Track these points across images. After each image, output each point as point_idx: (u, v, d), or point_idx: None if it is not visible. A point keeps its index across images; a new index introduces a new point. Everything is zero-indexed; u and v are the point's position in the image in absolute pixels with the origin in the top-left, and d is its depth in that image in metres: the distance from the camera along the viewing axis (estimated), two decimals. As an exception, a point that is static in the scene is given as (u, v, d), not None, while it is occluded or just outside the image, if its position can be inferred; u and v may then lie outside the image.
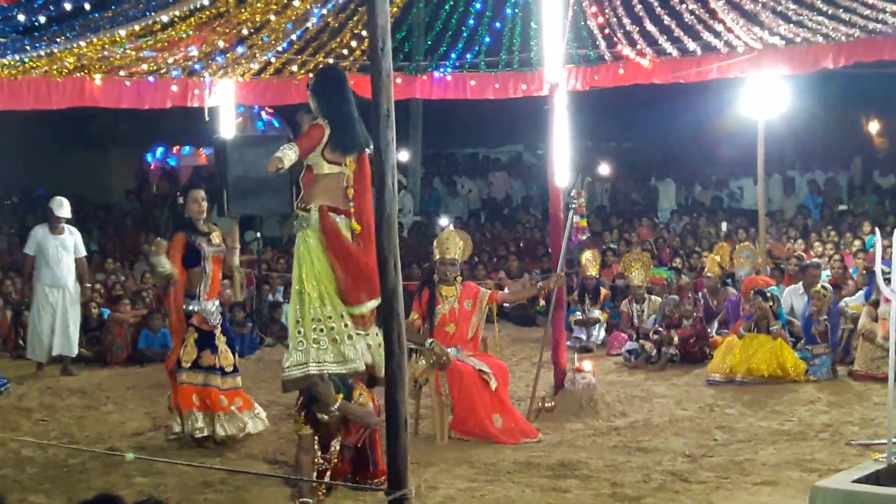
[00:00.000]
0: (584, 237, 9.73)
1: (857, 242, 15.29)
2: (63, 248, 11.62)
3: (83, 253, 11.94)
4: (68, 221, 11.78)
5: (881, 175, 21.22)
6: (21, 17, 9.21)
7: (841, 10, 11.96)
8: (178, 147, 23.37)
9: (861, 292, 12.09)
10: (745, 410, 9.47)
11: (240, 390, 8.70)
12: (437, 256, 8.97)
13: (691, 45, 13.28)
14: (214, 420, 8.38)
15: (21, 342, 13.03)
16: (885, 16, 11.81)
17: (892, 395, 6.12)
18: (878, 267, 6.43)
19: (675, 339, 11.80)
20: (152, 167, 23.80)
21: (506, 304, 12.51)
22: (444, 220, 20.33)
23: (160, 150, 23.59)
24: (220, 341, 8.55)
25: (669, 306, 12.20)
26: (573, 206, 9.32)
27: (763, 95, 13.24)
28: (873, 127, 23.26)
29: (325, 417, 6.71)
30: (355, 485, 7.00)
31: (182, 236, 8.42)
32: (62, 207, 11.65)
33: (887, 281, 6.15)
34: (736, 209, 20.08)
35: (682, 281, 13.99)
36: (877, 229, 7.88)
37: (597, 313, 13.39)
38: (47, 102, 11.63)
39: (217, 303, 8.66)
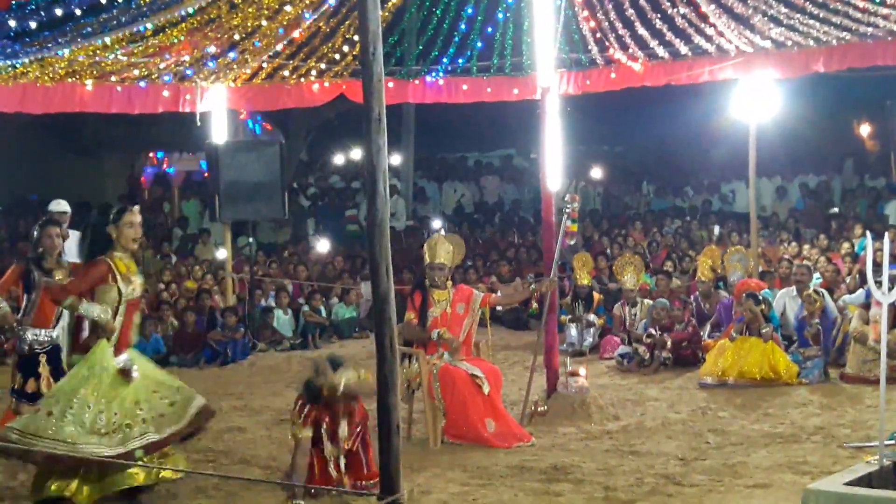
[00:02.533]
0: (573, 241, 9.73)
1: (846, 245, 15.30)
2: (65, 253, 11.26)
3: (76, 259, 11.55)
4: (70, 226, 11.51)
5: (872, 178, 21.28)
6: (12, 23, 9.19)
7: (832, 13, 11.98)
8: (165, 163, 23.43)
9: (861, 291, 12.08)
10: (737, 413, 9.49)
11: None
12: (427, 261, 8.98)
13: (683, 48, 13.30)
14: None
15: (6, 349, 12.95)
16: (877, 19, 11.84)
17: (883, 397, 6.13)
18: (870, 270, 6.45)
19: (669, 342, 11.82)
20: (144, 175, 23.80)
21: (498, 308, 12.54)
22: (436, 223, 20.35)
23: (152, 155, 23.55)
24: (44, 369, 8.41)
25: (657, 309, 12.23)
26: (567, 210, 9.34)
27: (754, 99, 13.25)
28: (864, 130, 23.31)
29: (326, 391, 6.74)
30: (348, 490, 7.00)
31: (20, 265, 8.60)
32: (59, 204, 11.37)
33: (878, 284, 6.16)
34: (728, 212, 20.10)
35: (674, 284, 14.00)
36: (868, 232, 7.90)
37: (592, 317, 13.38)
38: (37, 107, 11.58)
39: (45, 332, 8.51)
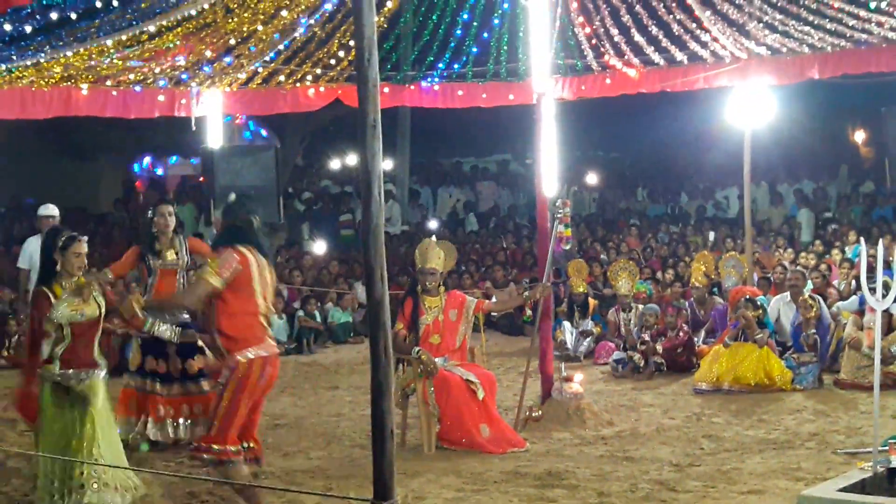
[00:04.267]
0: (567, 247, 9.74)
1: (836, 251, 15.30)
2: None
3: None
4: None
5: (861, 183, 21.30)
6: (7, 27, 9.18)
7: (827, 20, 12.00)
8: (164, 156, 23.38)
9: (855, 297, 12.09)
10: (731, 419, 9.49)
11: (193, 397, 8.77)
12: (418, 265, 8.99)
13: (678, 55, 13.33)
14: (147, 424, 8.64)
15: (6, 353, 12.94)
16: (871, 26, 11.86)
17: (877, 403, 6.15)
18: (864, 276, 6.47)
19: (660, 349, 11.83)
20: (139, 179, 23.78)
21: (493, 314, 12.53)
22: (433, 223, 20.36)
23: (147, 159, 23.53)
24: (171, 349, 8.74)
25: (646, 315, 12.26)
26: (558, 215, 9.34)
27: (749, 105, 13.28)
28: (859, 136, 23.36)
29: None
30: (336, 495, 7.00)
31: (136, 249, 8.97)
32: (47, 208, 11.35)
33: (872, 290, 6.17)
34: (722, 218, 20.13)
35: (669, 291, 13.99)
36: (862, 238, 7.94)
37: (589, 325, 13.38)
38: (33, 112, 11.56)
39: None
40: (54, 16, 9.29)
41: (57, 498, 6.60)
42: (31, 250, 11.35)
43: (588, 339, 13.23)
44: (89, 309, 6.81)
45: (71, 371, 6.74)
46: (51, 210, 11.40)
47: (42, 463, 6.70)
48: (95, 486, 6.61)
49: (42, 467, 6.70)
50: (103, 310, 6.89)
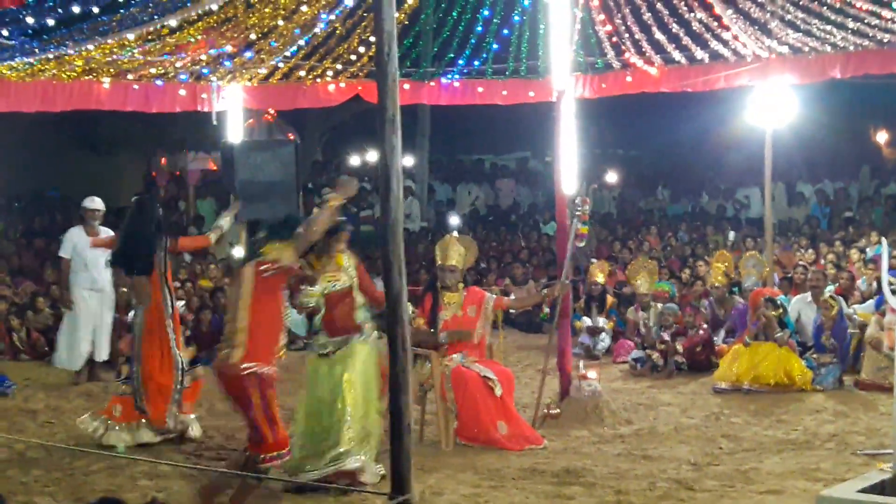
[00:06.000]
0: (582, 244, 9.70)
1: (855, 252, 15.21)
2: (100, 250, 11.42)
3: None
4: (102, 224, 11.62)
5: (884, 185, 21.17)
6: (30, 20, 9.21)
7: (850, 19, 11.93)
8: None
9: (871, 301, 12.06)
10: (750, 419, 9.46)
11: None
12: (438, 262, 9.01)
13: (699, 53, 13.26)
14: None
15: (21, 345, 13.01)
16: (895, 26, 11.77)
17: (898, 404, 6.10)
18: (885, 277, 6.43)
19: (679, 348, 11.80)
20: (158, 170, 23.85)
21: (511, 311, 12.54)
22: (454, 219, 20.34)
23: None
24: None
25: (665, 315, 12.24)
26: (577, 213, 9.33)
27: (771, 104, 13.21)
28: (881, 137, 23.19)
29: None
30: (358, 489, 7.02)
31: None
32: (93, 201, 11.50)
33: (894, 291, 6.13)
34: (743, 218, 20.04)
35: (696, 288, 13.92)
36: (883, 239, 7.89)
37: (601, 321, 13.37)
38: (53, 104, 11.61)
39: None
40: (76, 9, 9.30)
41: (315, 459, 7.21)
42: (75, 240, 11.43)
43: (602, 335, 13.22)
44: (342, 280, 7.67)
45: (333, 339, 7.50)
46: (97, 203, 11.52)
47: (301, 429, 7.40)
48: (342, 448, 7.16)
49: (301, 432, 7.37)
50: (355, 281, 7.68)
